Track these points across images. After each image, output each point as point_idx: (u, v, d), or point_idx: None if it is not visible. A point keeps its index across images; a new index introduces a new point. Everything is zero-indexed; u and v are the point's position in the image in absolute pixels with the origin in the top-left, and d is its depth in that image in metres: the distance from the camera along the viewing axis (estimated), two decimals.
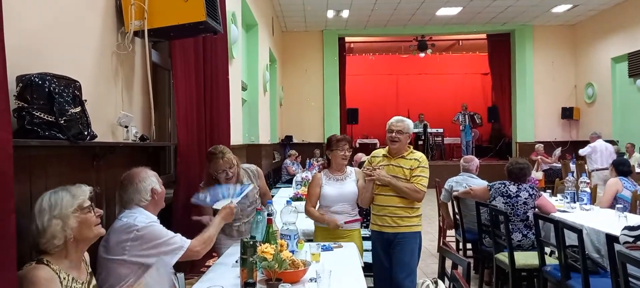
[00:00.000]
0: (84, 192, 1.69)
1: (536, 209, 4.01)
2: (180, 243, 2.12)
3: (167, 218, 2.66)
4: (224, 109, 4.29)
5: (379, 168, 3.24)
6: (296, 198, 4.75)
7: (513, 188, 4.06)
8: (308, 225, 3.68)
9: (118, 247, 1.98)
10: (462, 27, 13.07)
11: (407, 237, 3.23)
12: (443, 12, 11.62)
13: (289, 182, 8.70)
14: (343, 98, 13.90)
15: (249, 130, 8.01)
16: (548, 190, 5.61)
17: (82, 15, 2.20)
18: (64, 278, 1.59)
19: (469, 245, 4.86)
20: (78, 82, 1.89)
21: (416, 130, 13.55)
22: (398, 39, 15.01)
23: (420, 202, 3.28)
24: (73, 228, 1.62)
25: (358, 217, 3.38)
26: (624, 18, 10.90)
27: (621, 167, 4.65)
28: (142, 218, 2.07)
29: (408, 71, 16.80)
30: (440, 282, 1.85)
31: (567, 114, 12.84)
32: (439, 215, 5.71)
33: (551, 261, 3.68)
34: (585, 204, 4.41)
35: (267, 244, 2.16)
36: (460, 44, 16.08)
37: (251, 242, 2.13)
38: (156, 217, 2.17)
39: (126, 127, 2.53)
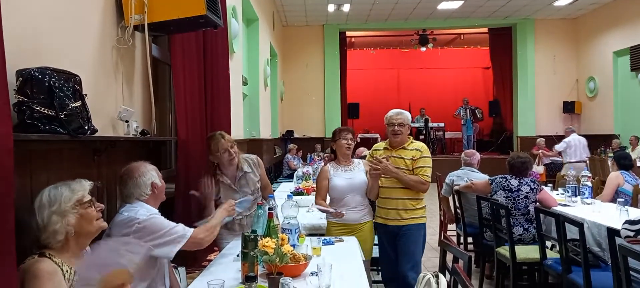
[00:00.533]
0: (83, 187, 1.70)
1: (537, 203, 4.01)
2: (182, 232, 2.13)
3: (169, 212, 2.66)
4: (225, 103, 4.28)
5: (384, 159, 3.18)
6: (297, 192, 4.76)
7: (514, 182, 4.06)
8: (309, 219, 3.69)
9: None
10: (463, 21, 13.02)
11: (412, 229, 3.24)
12: (444, 5, 11.57)
13: (290, 176, 8.70)
14: (344, 92, 13.89)
15: (250, 125, 8.00)
16: (549, 184, 5.61)
17: (82, 9, 2.20)
18: (67, 271, 1.60)
19: (470, 239, 4.86)
20: (78, 76, 1.88)
21: (417, 125, 13.55)
22: (399, 33, 14.96)
23: (425, 193, 3.28)
24: (73, 224, 1.63)
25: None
26: (626, 12, 10.84)
27: (623, 161, 4.63)
28: (143, 211, 2.08)
29: (409, 65, 16.72)
30: (441, 275, 1.84)
31: (569, 108, 12.83)
32: (440, 209, 5.72)
33: (552, 255, 3.69)
34: (587, 198, 4.41)
35: (268, 238, 2.16)
36: (462, 38, 16.03)
37: (252, 236, 2.14)
38: (157, 210, 2.18)
39: (127, 121, 2.53)
